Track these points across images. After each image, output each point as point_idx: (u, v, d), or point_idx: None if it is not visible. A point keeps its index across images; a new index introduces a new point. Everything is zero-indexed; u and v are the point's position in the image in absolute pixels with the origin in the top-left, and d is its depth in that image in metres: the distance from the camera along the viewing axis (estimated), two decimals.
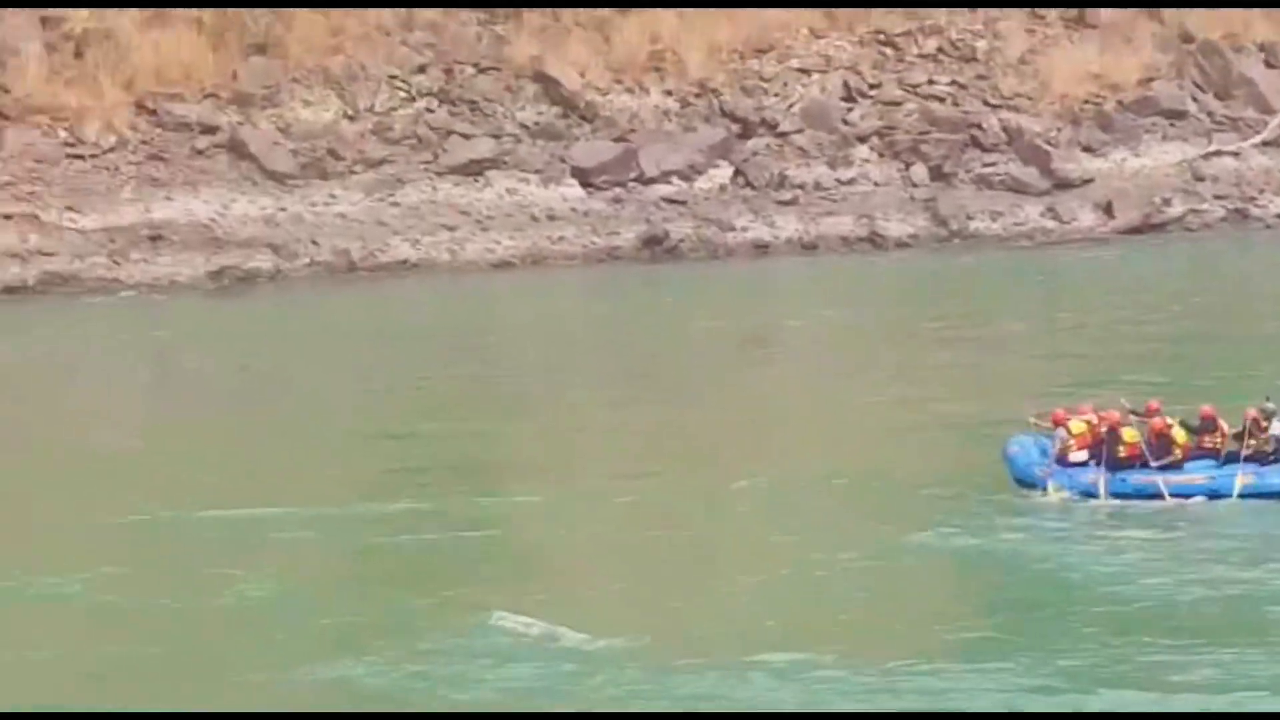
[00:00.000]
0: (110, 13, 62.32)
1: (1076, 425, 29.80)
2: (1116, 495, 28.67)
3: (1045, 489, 28.88)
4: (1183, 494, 28.53)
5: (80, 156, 60.42)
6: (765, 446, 33.09)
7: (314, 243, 58.40)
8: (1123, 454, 29.26)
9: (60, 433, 36.83)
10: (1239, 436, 29.22)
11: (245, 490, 29.56)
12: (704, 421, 35.72)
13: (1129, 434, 29.45)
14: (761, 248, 59.14)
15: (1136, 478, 28.51)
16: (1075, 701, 19.14)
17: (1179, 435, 29.42)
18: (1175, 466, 29.08)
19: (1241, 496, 27.96)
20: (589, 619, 21.45)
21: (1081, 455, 29.45)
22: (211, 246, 58.04)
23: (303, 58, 63.45)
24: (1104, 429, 29.43)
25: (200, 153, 61.08)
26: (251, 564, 24.94)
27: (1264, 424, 29.30)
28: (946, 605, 23.12)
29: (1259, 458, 28.85)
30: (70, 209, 58.40)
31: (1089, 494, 28.93)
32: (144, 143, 61.16)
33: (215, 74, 62.98)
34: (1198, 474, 28.94)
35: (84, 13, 61.92)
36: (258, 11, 63.44)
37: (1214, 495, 28.60)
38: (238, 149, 60.91)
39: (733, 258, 58.81)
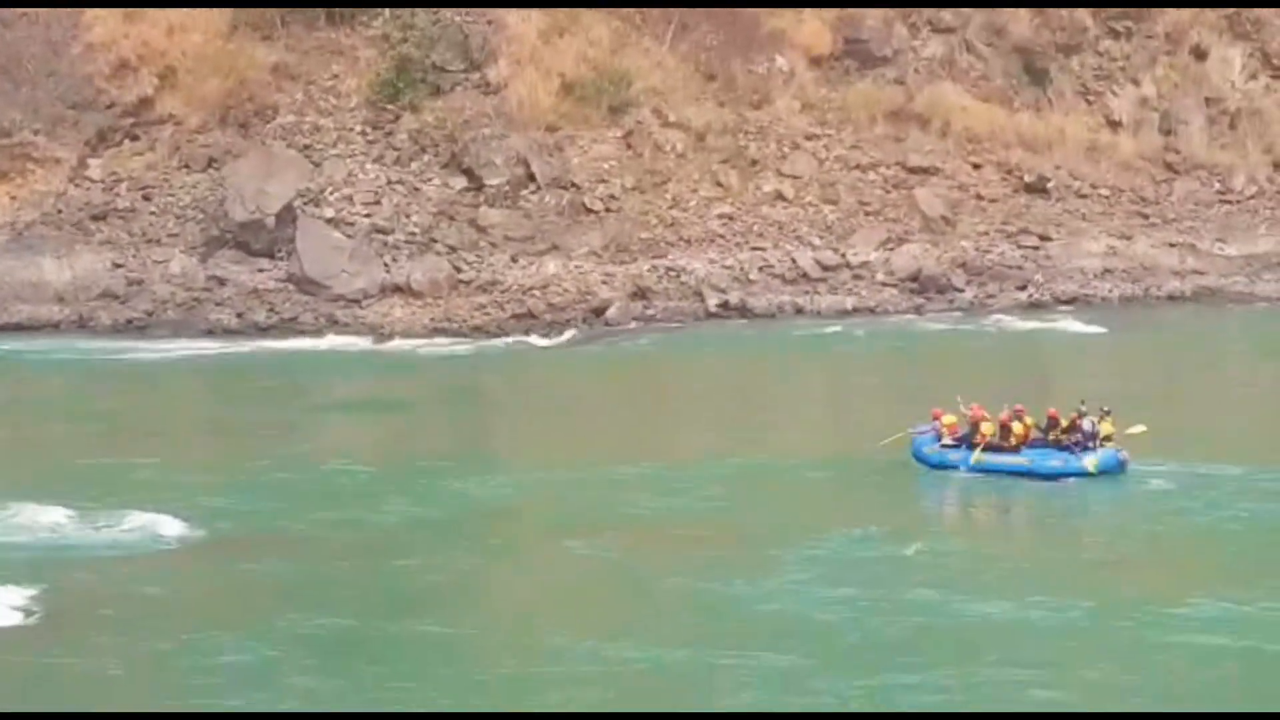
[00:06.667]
0: (1257, 92, 69.57)
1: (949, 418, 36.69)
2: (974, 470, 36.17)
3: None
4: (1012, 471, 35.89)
5: (1228, 201, 68.99)
6: None
7: None
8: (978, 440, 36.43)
9: None
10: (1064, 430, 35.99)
11: None
12: None
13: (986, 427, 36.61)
14: None
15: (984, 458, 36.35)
16: None
17: (1017, 428, 36.30)
18: (1013, 450, 36.21)
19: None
20: None
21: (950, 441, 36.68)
22: None
23: None
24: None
25: None
26: None
27: (1077, 421, 36.13)
28: None
29: (1067, 446, 36.05)
30: (1219, 240, 67.43)
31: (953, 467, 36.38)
32: (1277, 192, 69.54)
33: None
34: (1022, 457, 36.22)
35: (1237, 94, 69.28)
36: None
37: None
38: None
39: None
